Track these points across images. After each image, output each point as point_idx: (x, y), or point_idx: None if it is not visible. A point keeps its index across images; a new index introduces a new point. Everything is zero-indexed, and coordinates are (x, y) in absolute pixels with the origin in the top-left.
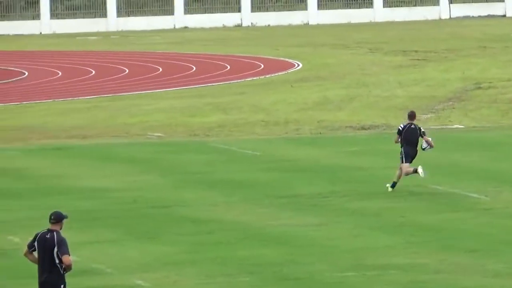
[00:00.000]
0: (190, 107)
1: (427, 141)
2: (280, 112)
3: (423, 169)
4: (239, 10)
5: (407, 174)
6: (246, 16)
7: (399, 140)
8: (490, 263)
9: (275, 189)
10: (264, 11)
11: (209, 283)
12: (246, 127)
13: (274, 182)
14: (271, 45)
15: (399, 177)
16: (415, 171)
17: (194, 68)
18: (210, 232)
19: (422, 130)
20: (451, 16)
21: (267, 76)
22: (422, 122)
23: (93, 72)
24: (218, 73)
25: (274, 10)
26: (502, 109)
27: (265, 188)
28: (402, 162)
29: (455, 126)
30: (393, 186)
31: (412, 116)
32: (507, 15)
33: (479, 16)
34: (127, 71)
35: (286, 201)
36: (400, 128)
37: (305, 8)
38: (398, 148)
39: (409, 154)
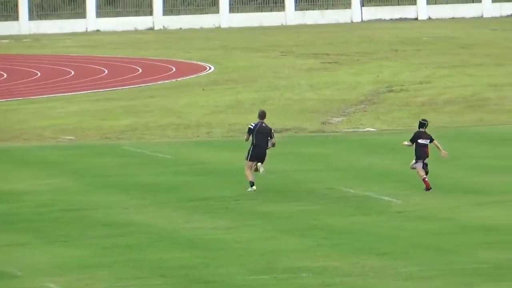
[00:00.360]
0: (102, 110)
1: (272, 143)
2: (191, 115)
3: (264, 168)
4: (151, 14)
5: (255, 170)
6: (158, 19)
7: (250, 138)
8: (401, 266)
9: (186, 192)
10: (176, 14)
11: (121, 286)
12: (157, 130)
13: (185, 185)
14: (183, 48)
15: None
16: (256, 170)
17: (106, 71)
18: (122, 235)
19: (273, 131)
20: (363, 19)
21: (179, 79)
22: (334, 125)
23: (5, 75)
24: (130, 76)
25: (186, 14)
26: (413, 112)
27: (177, 191)
28: (246, 159)
29: (367, 129)
30: (252, 185)
31: (262, 115)
32: (419, 18)
33: (391, 19)
34: (39, 74)
35: (198, 204)
36: (251, 127)
37: (217, 12)
38: (308, 151)
39: (256, 153)
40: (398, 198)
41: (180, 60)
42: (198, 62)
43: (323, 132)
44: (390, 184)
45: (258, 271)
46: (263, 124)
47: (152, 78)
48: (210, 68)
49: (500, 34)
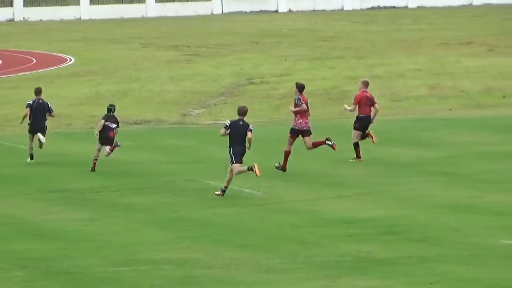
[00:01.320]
0: None
1: (51, 116)
2: (52, 107)
3: (44, 139)
4: (11, 5)
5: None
6: (19, 10)
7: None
8: (263, 258)
9: (47, 184)
10: (36, 5)
11: None
12: (18, 121)
13: (46, 177)
14: (44, 40)
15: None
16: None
17: None
18: None
19: (50, 105)
20: (224, 12)
21: (39, 71)
22: (194, 117)
23: None
24: None
25: (47, 5)
26: (274, 104)
27: (38, 183)
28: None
29: (228, 121)
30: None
31: (38, 92)
32: (279, 11)
33: (252, 12)
34: None
35: (58, 196)
36: (30, 103)
37: (78, 3)
38: (168, 143)
39: (37, 127)
40: (259, 190)
41: (40, 51)
42: (59, 54)
43: (183, 124)
44: (251, 177)
45: (119, 263)
46: (40, 101)
47: (12, 69)
48: (70, 60)
49: (361, 26)
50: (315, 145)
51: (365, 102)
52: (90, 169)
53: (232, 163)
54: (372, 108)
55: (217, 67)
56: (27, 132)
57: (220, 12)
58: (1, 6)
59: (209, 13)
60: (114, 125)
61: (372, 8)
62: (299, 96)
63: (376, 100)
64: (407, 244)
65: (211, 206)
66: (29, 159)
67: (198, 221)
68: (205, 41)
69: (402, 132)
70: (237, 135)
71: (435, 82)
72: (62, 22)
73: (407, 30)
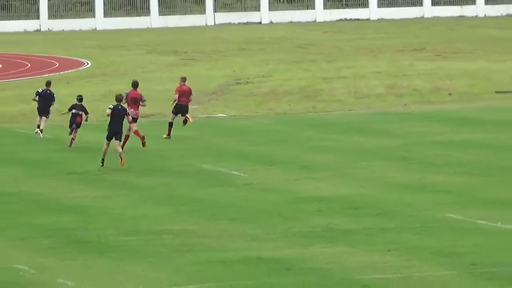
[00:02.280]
0: None
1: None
2: (72, 103)
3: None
4: (38, 18)
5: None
6: (44, 22)
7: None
8: (249, 229)
9: (67, 167)
10: (59, 18)
11: (11, 246)
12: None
13: (66, 161)
14: (65, 47)
15: None
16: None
17: (0, 66)
18: (13, 202)
19: (55, 96)
20: (216, 23)
21: (61, 72)
22: (191, 112)
23: None
24: (20, 70)
25: (68, 18)
26: (258, 100)
27: (59, 166)
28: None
29: (219, 115)
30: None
31: (48, 84)
32: (262, 22)
33: (239, 23)
34: None
35: (77, 177)
36: (39, 91)
37: (93, 16)
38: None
39: (43, 111)
40: (245, 173)
41: (62, 56)
42: (78, 59)
43: (182, 117)
44: (238, 161)
45: (128, 233)
46: (48, 91)
47: (39, 71)
48: (88, 64)
49: (330, 35)
50: (136, 133)
51: (183, 94)
52: (68, 145)
53: (107, 139)
54: (189, 98)
55: (210, 69)
56: (37, 111)
57: (213, 23)
58: (30, 19)
59: (204, 24)
60: (80, 112)
61: (340, 20)
62: (128, 92)
63: (192, 92)
64: (369, 218)
65: (204, 186)
66: (37, 130)
67: (194, 198)
68: (200, 47)
69: (365, 124)
70: (118, 116)
71: (392, 82)
72: (80, 32)
73: (370, 38)
